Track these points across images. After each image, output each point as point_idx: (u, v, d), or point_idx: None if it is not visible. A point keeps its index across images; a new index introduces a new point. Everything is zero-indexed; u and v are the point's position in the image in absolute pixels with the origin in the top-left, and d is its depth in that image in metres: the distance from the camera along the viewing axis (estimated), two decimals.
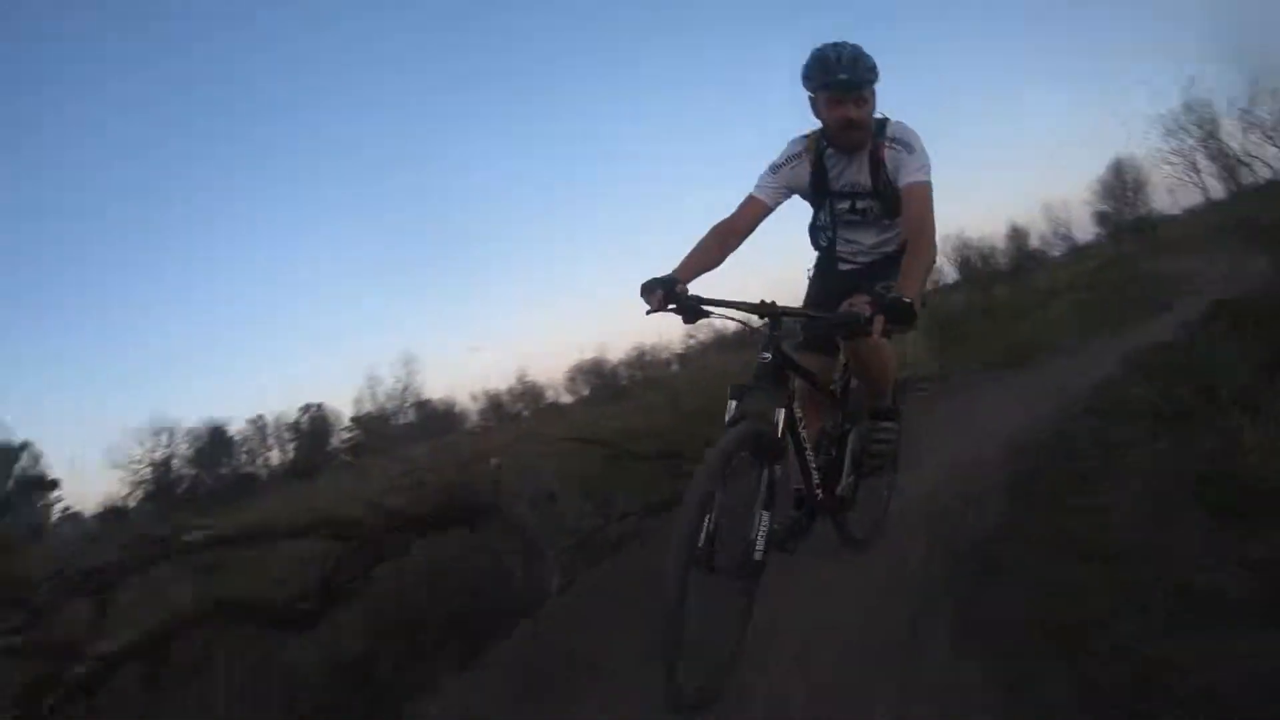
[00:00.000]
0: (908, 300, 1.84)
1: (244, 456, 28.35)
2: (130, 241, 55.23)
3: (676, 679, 1.65)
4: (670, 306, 2.01)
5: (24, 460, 24.44)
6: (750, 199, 2.30)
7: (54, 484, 23.78)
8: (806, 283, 2.63)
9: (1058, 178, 62.81)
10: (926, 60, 50.25)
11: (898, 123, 2.26)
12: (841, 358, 2.44)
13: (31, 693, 1.73)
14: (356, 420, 29.19)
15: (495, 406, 29.75)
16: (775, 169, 2.32)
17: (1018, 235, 30.48)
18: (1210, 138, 24.61)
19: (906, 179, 2.19)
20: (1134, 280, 13.54)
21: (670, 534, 1.71)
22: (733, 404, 1.94)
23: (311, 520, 2.98)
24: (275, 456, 28.36)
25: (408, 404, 29.42)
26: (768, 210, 2.31)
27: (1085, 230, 31.02)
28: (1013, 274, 24.06)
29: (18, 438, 24.19)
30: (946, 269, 27.40)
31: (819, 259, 2.59)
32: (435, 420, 26.87)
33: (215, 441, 27.70)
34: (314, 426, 28.99)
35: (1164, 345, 5.54)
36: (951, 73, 57.42)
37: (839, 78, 2.13)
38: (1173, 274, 13.08)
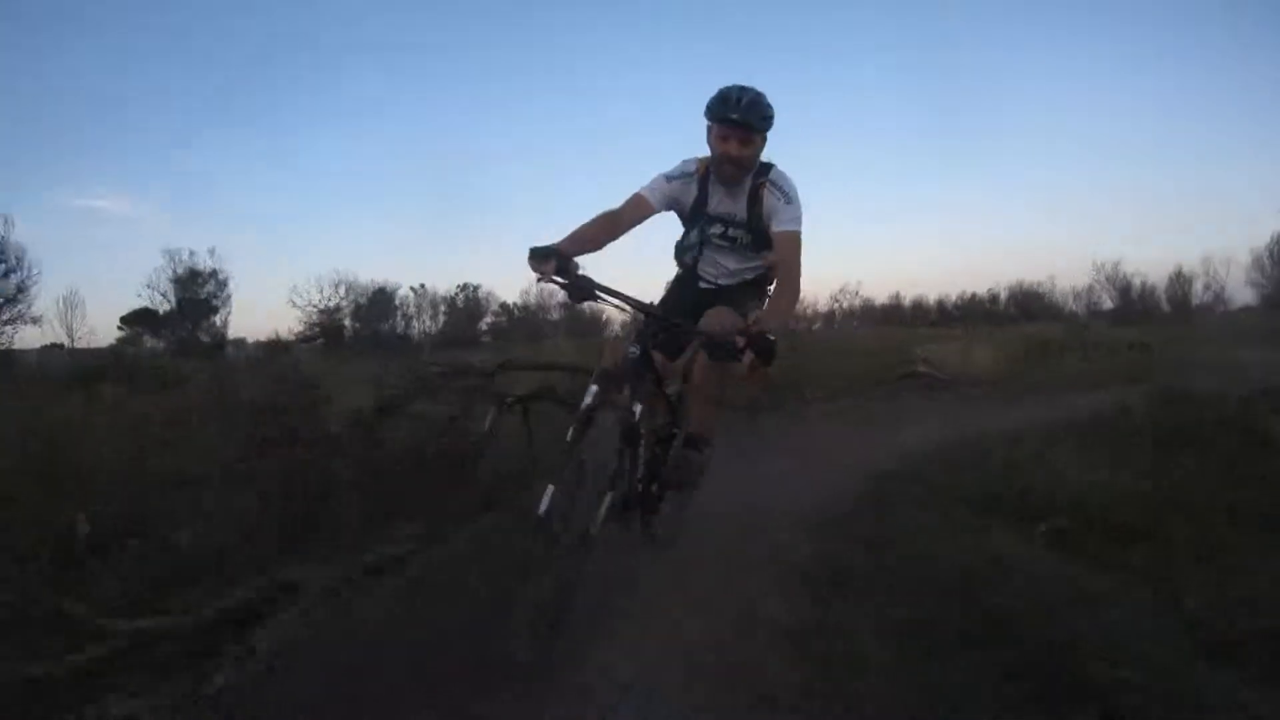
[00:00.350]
0: (772, 339, 1.98)
1: (400, 320, 32.11)
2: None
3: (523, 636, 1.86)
4: (561, 280, 2.12)
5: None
6: (640, 198, 2.46)
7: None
8: (664, 291, 2.85)
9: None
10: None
11: (781, 171, 2.47)
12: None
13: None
14: (504, 307, 32.79)
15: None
16: (669, 179, 2.51)
17: (1180, 281, 30.57)
18: None
19: (780, 226, 2.39)
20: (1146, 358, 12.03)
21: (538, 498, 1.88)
22: (594, 389, 2.13)
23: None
24: (429, 324, 32.04)
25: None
26: (652, 212, 2.48)
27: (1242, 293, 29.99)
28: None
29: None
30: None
31: (681, 274, 2.76)
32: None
33: (377, 301, 31.47)
34: (467, 305, 32.54)
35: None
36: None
37: (731, 116, 2.34)
38: (1199, 361, 10.63)
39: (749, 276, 2.65)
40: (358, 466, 3.44)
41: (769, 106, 2.38)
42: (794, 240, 2.37)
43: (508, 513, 3.18)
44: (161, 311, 26.82)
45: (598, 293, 2.17)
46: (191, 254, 26.67)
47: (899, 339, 15.49)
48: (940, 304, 35.07)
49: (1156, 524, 3.15)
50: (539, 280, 2.10)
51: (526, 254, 2.12)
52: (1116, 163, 50.39)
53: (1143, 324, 22.88)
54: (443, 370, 4.60)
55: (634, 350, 2.22)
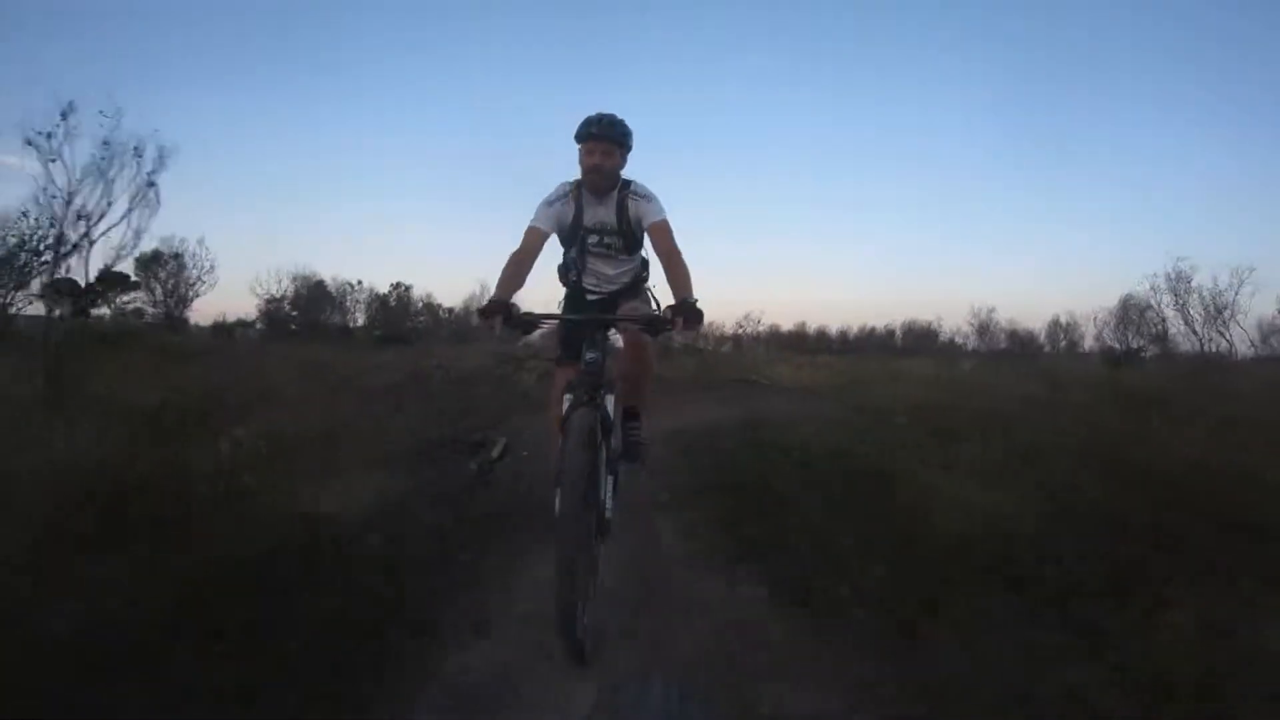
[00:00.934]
0: (695, 301, 2.42)
1: (333, 311, 33.63)
2: None
3: (578, 626, 2.10)
4: (510, 325, 2.49)
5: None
6: (533, 229, 2.74)
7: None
8: (560, 310, 3.12)
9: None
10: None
11: (639, 182, 2.85)
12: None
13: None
14: (428, 307, 35.02)
15: None
16: (549, 204, 2.81)
17: (1058, 328, 35.11)
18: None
19: (651, 219, 2.76)
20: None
21: (558, 496, 2.19)
22: (568, 397, 2.47)
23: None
24: (360, 319, 33.42)
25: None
26: (545, 237, 2.77)
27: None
28: None
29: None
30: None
31: (568, 294, 3.10)
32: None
33: (315, 293, 33.16)
34: (398, 303, 34.58)
35: None
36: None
37: (592, 131, 2.74)
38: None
39: (627, 280, 3.03)
40: None
41: (624, 125, 2.79)
42: (666, 227, 2.75)
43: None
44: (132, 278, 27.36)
45: (540, 322, 2.65)
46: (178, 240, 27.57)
47: (767, 359, 19.05)
48: (842, 334, 39.25)
49: (836, 457, 5.33)
50: (494, 332, 2.46)
51: (478, 314, 2.55)
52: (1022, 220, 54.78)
53: (1007, 362, 24.92)
54: None
55: (592, 355, 2.54)
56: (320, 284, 32.62)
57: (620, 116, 2.83)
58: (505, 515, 3.79)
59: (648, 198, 2.84)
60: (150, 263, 27.57)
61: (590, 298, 3.06)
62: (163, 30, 46.79)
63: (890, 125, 57.66)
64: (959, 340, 36.73)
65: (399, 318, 33.78)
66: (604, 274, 3.03)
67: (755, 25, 57.48)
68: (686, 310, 2.43)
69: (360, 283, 33.09)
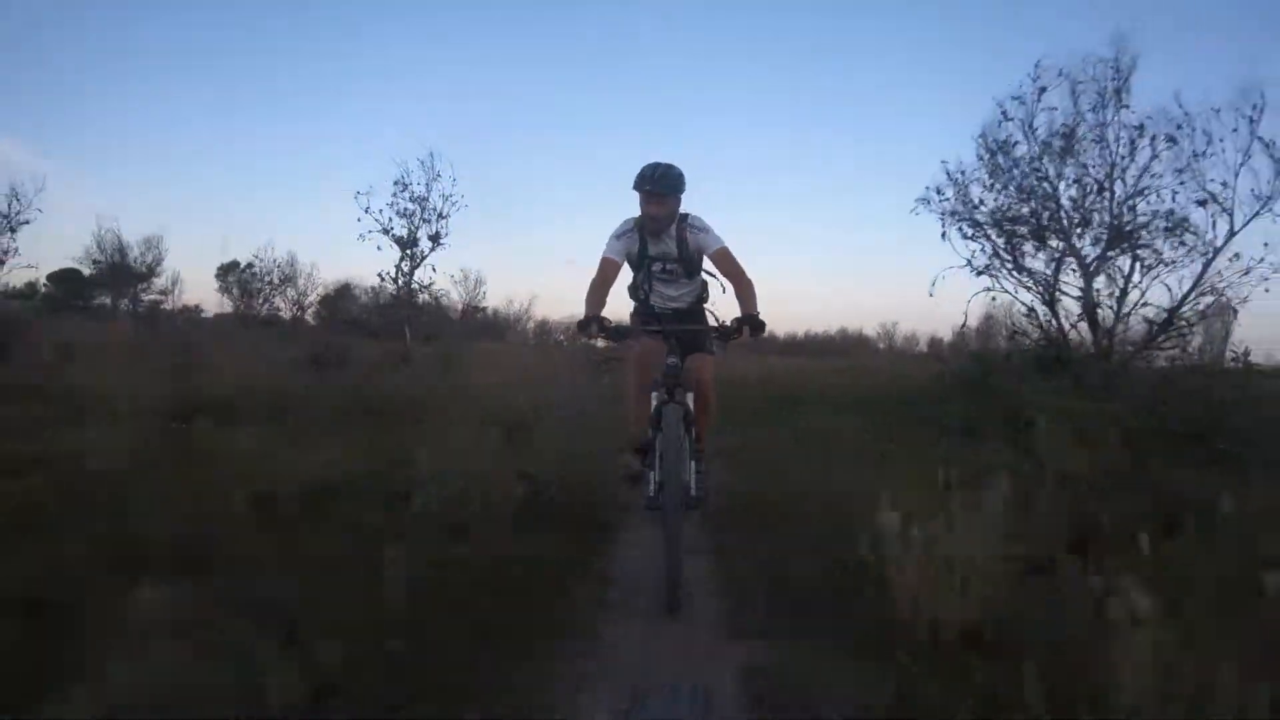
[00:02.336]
0: (758, 314, 2.94)
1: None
2: None
3: (679, 592, 2.48)
4: (605, 336, 3.03)
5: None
6: (607, 260, 3.14)
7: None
8: (630, 321, 3.49)
9: None
10: None
11: (695, 214, 3.20)
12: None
13: None
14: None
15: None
16: (619, 237, 3.18)
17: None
18: None
19: (712, 248, 3.15)
20: None
21: (660, 480, 2.76)
22: (656, 394, 2.97)
23: None
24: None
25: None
26: (619, 267, 3.18)
27: None
28: None
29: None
30: None
31: (637, 307, 3.49)
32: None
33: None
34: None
35: None
36: None
37: (646, 188, 3.06)
38: None
39: (690, 300, 3.40)
40: None
41: (677, 176, 3.09)
42: (726, 252, 3.13)
43: None
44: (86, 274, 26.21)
45: (631, 332, 3.23)
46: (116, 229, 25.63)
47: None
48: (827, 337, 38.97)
49: None
50: (588, 339, 3.17)
51: (576, 328, 3.18)
52: None
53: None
54: None
55: (674, 360, 2.92)
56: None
57: (674, 166, 3.12)
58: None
59: (705, 230, 3.18)
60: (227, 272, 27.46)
61: (656, 310, 3.43)
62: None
63: (858, 132, 54.34)
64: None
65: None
66: (668, 295, 3.41)
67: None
68: (751, 322, 2.92)
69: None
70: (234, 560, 2.48)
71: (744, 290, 3.06)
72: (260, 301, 27.53)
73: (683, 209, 3.22)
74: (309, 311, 28.04)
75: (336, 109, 48.79)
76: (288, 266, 27.36)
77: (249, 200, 42.15)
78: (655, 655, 2.20)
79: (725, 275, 3.16)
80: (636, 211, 3.21)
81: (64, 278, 26.95)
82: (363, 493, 3.41)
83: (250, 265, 27.53)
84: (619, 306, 3.45)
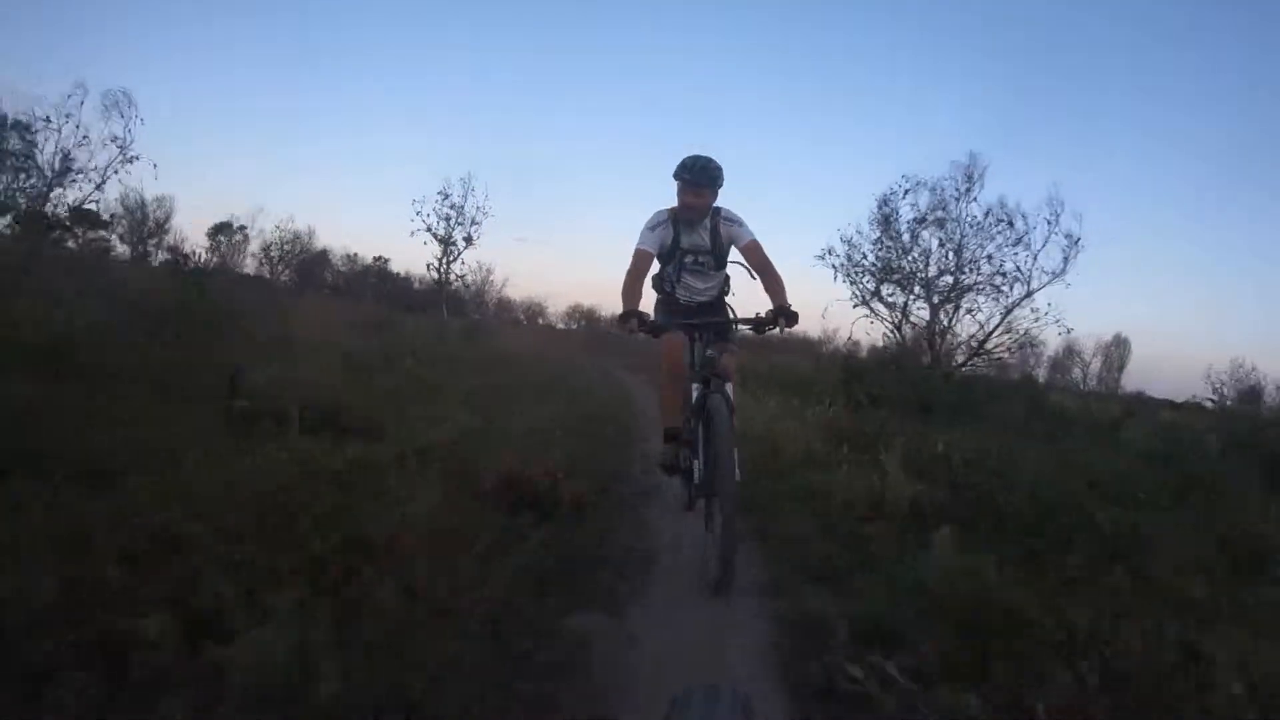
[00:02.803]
0: (789, 306, 2.98)
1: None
2: None
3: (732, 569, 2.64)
4: (643, 330, 3.02)
5: None
6: (642, 252, 3.17)
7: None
8: (654, 312, 3.40)
9: None
10: None
11: (728, 208, 3.24)
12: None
13: None
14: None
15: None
16: (652, 228, 3.21)
17: None
18: None
19: (744, 240, 3.20)
20: None
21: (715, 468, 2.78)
22: (696, 385, 3.05)
23: None
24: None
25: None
26: (652, 258, 3.21)
27: None
28: None
29: None
30: None
31: (661, 299, 3.48)
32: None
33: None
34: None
35: None
36: None
37: (687, 177, 3.12)
38: None
39: (714, 293, 3.43)
40: None
41: (718, 170, 3.16)
42: (757, 245, 3.21)
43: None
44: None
45: (669, 326, 3.19)
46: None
47: None
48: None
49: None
50: (630, 333, 3.03)
51: (616, 321, 3.09)
52: None
53: None
54: None
55: (711, 352, 3.05)
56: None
57: (714, 159, 3.17)
58: None
59: (738, 223, 3.24)
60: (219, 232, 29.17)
61: (681, 302, 3.42)
62: None
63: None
64: None
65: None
66: (695, 287, 3.41)
67: None
68: (785, 313, 3.02)
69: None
70: None
71: (774, 283, 3.11)
72: (278, 265, 30.49)
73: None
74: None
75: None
76: (307, 238, 30.82)
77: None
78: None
79: (755, 268, 3.21)
80: (660, 204, 3.27)
81: (83, 217, 27.90)
82: None
83: (243, 226, 30.00)
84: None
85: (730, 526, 2.63)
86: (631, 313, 3.02)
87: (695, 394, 3.07)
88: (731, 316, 3.40)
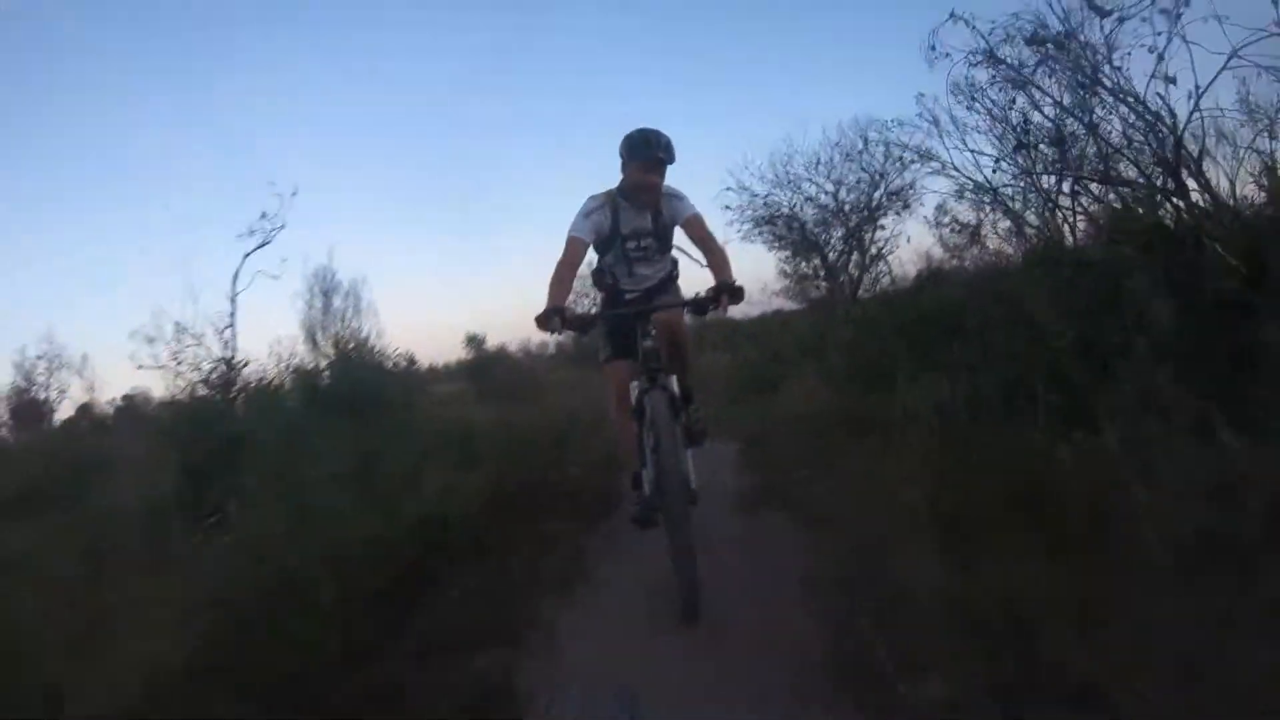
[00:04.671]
0: (737, 282, 2.63)
1: None
2: None
3: (696, 596, 2.33)
4: (569, 328, 2.64)
5: None
6: (575, 240, 2.82)
7: None
8: (599, 311, 3.23)
9: None
10: None
11: (670, 185, 2.92)
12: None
13: None
14: None
15: None
16: (587, 215, 2.88)
17: None
18: None
19: (685, 214, 2.90)
20: None
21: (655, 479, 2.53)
22: (635, 384, 2.76)
23: None
24: None
25: None
26: (587, 246, 2.88)
27: None
28: None
29: None
30: None
31: (605, 296, 3.22)
32: None
33: None
34: None
35: None
36: None
37: (658, 155, 2.80)
38: None
39: (661, 277, 3.17)
40: None
41: (669, 142, 2.86)
42: (700, 219, 2.91)
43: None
44: None
45: (597, 319, 2.90)
46: None
47: None
48: None
49: None
50: (551, 333, 2.63)
51: (535, 323, 2.60)
52: None
53: None
54: None
55: (648, 343, 2.68)
56: None
57: (664, 133, 2.88)
58: None
59: (679, 197, 2.95)
60: None
61: (627, 296, 3.15)
62: None
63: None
64: None
65: None
66: (641, 274, 3.13)
67: None
68: (729, 289, 2.62)
69: None
70: None
71: (717, 258, 2.83)
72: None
73: None
74: None
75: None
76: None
77: None
78: None
79: (696, 242, 2.93)
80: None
81: None
82: None
83: None
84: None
85: (684, 555, 2.34)
86: (553, 310, 2.60)
87: (635, 393, 2.79)
88: (675, 298, 3.10)
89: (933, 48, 4.93)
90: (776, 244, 13.03)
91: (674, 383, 2.82)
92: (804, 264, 13.23)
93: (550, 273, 2.77)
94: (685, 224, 2.93)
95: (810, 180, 12.35)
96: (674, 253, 3.18)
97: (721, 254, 2.84)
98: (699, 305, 2.74)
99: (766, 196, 12.46)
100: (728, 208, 12.37)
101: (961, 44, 4.84)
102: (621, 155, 2.90)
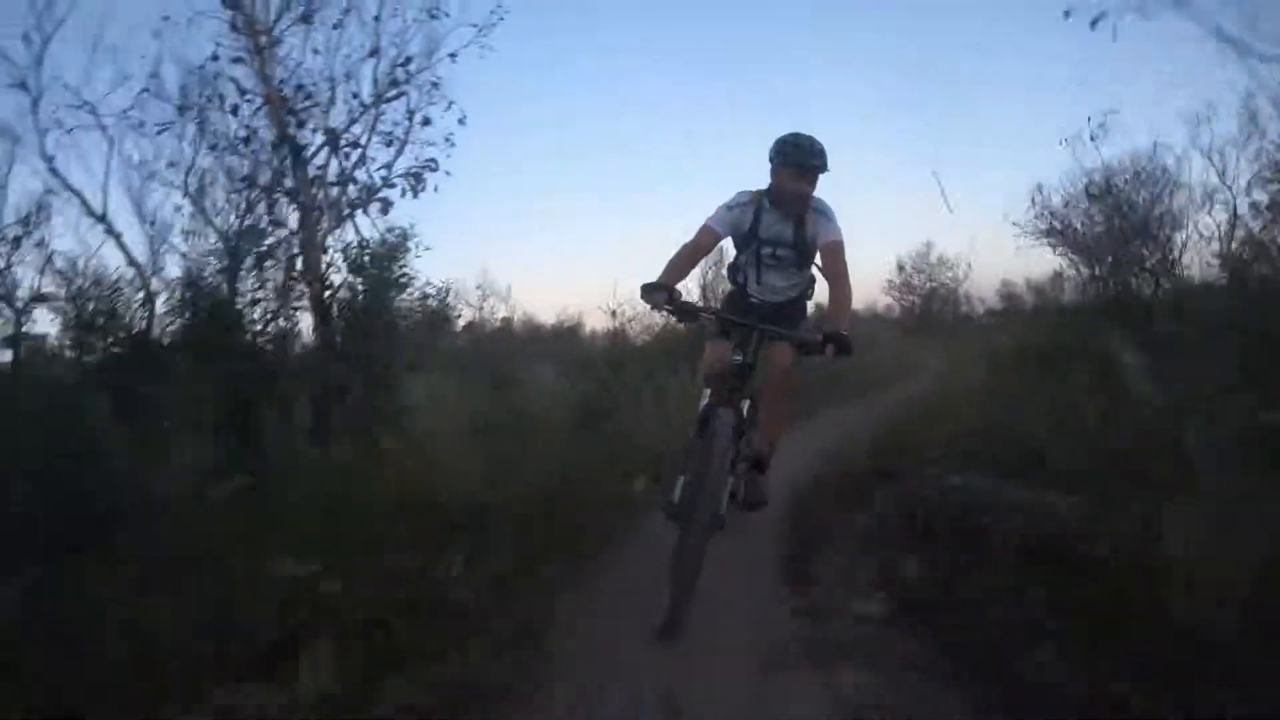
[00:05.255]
0: (846, 334, 2.45)
1: None
2: None
3: (682, 607, 2.21)
4: (669, 309, 2.56)
5: None
6: (708, 229, 2.80)
7: None
8: (720, 304, 3.18)
9: None
10: None
11: (820, 198, 2.79)
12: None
13: None
14: None
15: None
16: (729, 208, 2.83)
17: None
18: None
19: (826, 237, 2.76)
20: None
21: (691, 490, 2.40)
22: (708, 391, 2.63)
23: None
24: None
25: None
26: (719, 239, 2.88)
27: None
28: None
29: None
30: None
31: (733, 291, 3.16)
32: None
33: None
34: None
35: None
36: None
37: (812, 162, 2.70)
38: None
39: (792, 294, 3.04)
40: None
41: (823, 150, 2.75)
42: (839, 248, 2.76)
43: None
44: None
45: (701, 313, 2.74)
46: None
47: None
48: None
49: None
50: (651, 309, 2.61)
51: (639, 291, 2.57)
52: None
53: None
54: None
55: (737, 357, 2.57)
56: None
57: (819, 140, 2.78)
58: None
59: (828, 216, 2.82)
60: None
61: (752, 300, 3.05)
62: None
63: None
64: None
65: None
66: (772, 284, 3.03)
67: None
68: (838, 340, 2.45)
69: None
70: None
71: (840, 299, 2.78)
72: None
73: None
74: None
75: None
76: None
77: None
78: None
79: (828, 272, 2.86)
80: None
81: None
82: None
83: None
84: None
85: (686, 566, 2.26)
86: (662, 285, 2.57)
87: (702, 404, 2.72)
88: (791, 329, 2.83)
89: None
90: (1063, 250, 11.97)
91: (746, 406, 2.69)
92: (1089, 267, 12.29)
93: (673, 251, 2.73)
94: (824, 247, 2.82)
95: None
96: (813, 270, 3.04)
97: (845, 297, 2.79)
98: (805, 345, 2.60)
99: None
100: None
101: None
102: (772, 159, 2.79)
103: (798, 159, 2.72)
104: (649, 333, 8.74)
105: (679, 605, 2.22)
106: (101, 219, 4.73)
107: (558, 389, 6.70)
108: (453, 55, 4.99)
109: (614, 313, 8.68)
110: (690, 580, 2.25)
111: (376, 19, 4.93)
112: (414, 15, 4.95)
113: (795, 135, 2.76)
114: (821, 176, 2.76)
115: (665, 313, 2.68)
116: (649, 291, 2.56)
